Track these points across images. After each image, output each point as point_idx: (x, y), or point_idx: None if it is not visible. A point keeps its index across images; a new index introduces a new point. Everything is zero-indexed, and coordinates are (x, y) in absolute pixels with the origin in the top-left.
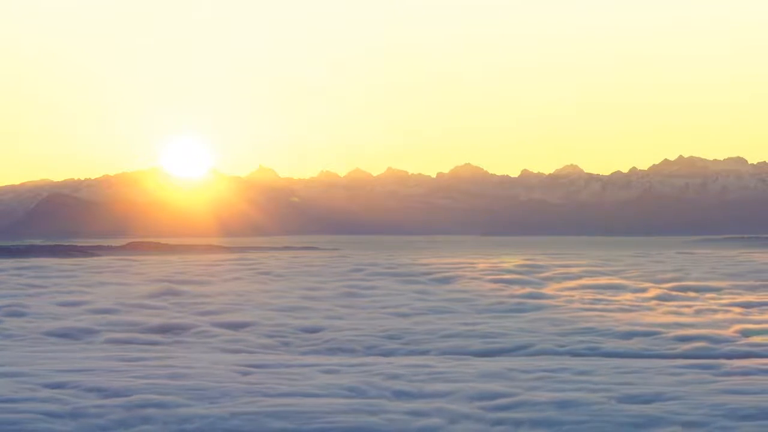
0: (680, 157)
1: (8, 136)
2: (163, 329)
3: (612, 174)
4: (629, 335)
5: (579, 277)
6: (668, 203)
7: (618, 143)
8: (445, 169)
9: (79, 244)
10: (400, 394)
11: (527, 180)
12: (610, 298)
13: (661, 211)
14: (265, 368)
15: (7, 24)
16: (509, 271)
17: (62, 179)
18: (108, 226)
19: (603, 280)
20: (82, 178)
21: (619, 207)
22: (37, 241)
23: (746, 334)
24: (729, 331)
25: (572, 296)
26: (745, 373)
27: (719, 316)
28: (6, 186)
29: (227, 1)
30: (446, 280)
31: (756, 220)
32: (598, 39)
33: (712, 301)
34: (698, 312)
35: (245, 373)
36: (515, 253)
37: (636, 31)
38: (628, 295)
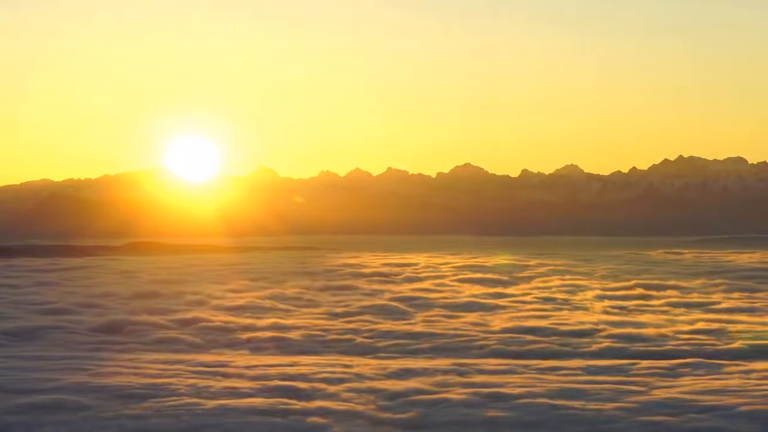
0: (680, 157)
1: (8, 136)
2: (105, 329)
3: (612, 174)
4: (553, 334)
5: (542, 276)
6: (668, 203)
7: (618, 143)
8: (445, 169)
9: (78, 245)
10: (302, 394)
11: (527, 180)
12: (556, 296)
13: (661, 211)
14: (178, 367)
15: (8, 23)
16: (482, 270)
17: (62, 179)
18: (109, 226)
19: (559, 281)
20: (83, 178)
21: (619, 207)
22: (36, 241)
23: (677, 333)
24: (658, 331)
25: (523, 296)
26: (654, 374)
27: (655, 316)
28: (6, 186)
29: (227, 2)
30: (413, 279)
31: (756, 220)
32: (598, 39)
33: (656, 301)
34: (636, 311)
35: (161, 372)
36: (505, 253)
37: (635, 31)
38: (574, 295)
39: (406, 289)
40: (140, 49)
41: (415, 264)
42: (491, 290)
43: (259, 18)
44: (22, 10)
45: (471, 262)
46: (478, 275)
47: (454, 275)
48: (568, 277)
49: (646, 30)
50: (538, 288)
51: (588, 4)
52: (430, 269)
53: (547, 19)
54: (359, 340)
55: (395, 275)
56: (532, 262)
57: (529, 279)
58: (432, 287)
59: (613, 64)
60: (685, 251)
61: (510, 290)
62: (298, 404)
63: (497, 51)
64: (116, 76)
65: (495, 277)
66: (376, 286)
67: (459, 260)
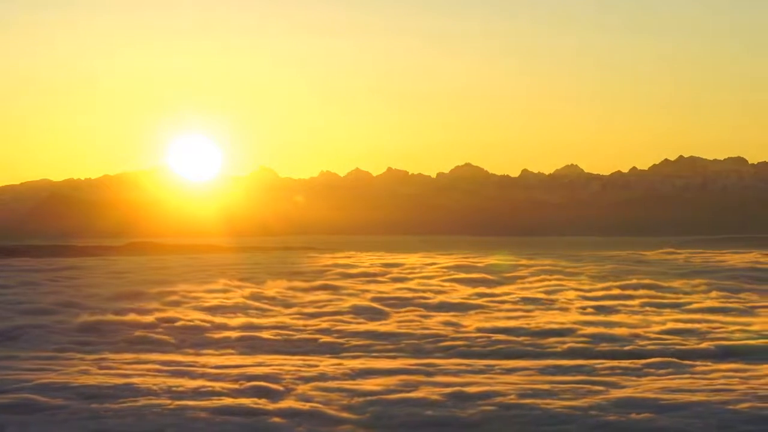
0: (680, 157)
1: (8, 136)
2: (81, 329)
3: (612, 174)
4: (524, 334)
5: (529, 276)
6: (668, 203)
7: (618, 143)
8: (445, 169)
9: (77, 245)
10: (268, 394)
11: (527, 180)
12: (537, 297)
13: (661, 211)
14: (147, 366)
15: (8, 23)
16: (471, 270)
17: (62, 179)
18: (109, 226)
19: (545, 281)
20: (83, 178)
21: (619, 207)
22: (35, 242)
23: (648, 333)
24: (630, 331)
25: (504, 296)
26: (617, 373)
27: (628, 316)
28: (6, 186)
29: (227, 2)
30: (398, 280)
31: (756, 220)
32: (597, 39)
33: (633, 301)
34: (611, 311)
35: (130, 371)
36: (500, 253)
37: (635, 30)
38: (555, 296)
39: (389, 289)
40: (140, 48)
41: (406, 264)
42: (474, 290)
43: (259, 18)
44: (23, 10)
45: (463, 262)
46: (466, 275)
47: (441, 275)
48: (554, 277)
49: (645, 29)
50: (521, 288)
51: (588, 3)
52: (419, 269)
53: (547, 18)
54: (329, 340)
55: (382, 275)
56: (525, 262)
57: (516, 279)
58: (416, 287)
59: (613, 64)
60: (681, 251)
61: (493, 290)
62: (263, 404)
63: (497, 51)
64: (116, 76)
65: (481, 276)
66: (360, 286)
67: (451, 260)
